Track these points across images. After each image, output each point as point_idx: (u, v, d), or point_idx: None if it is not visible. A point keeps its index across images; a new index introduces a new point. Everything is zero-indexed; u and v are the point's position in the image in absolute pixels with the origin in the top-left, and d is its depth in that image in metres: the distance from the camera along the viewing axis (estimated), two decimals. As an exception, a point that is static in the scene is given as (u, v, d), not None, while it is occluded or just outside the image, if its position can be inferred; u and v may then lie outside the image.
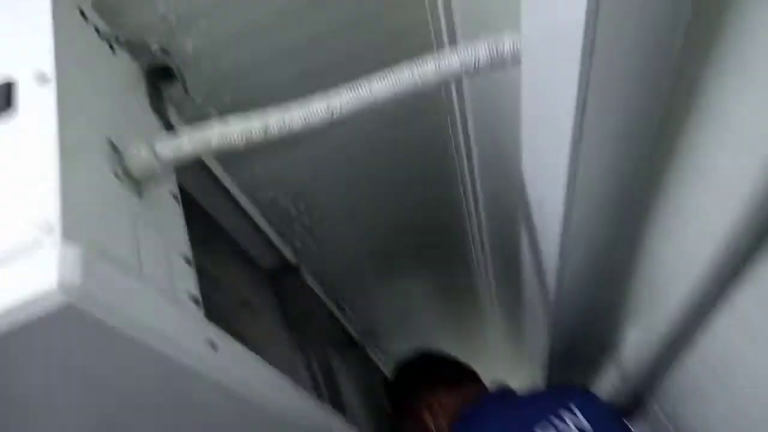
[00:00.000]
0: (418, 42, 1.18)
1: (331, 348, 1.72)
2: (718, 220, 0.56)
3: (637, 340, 0.97)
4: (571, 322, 1.15)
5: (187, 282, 0.71)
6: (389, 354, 2.82)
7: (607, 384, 1.24)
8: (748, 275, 0.62)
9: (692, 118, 0.57)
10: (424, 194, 1.81)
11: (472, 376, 1.20)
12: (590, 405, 0.96)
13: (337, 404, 1.43)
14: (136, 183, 0.67)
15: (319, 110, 0.59)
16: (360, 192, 1.66)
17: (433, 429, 1.18)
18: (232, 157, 1.31)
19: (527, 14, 0.51)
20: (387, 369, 2.87)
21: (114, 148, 0.67)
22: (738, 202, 0.51)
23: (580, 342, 1.33)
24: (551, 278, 0.93)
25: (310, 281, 1.72)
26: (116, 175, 0.65)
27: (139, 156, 0.64)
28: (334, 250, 1.82)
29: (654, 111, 0.58)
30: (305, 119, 0.59)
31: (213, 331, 0.66)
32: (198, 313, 0.68)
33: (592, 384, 1.44)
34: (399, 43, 1.17)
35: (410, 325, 2.72)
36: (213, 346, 0.65)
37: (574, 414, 0.94)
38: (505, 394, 1.10)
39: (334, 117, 0.59)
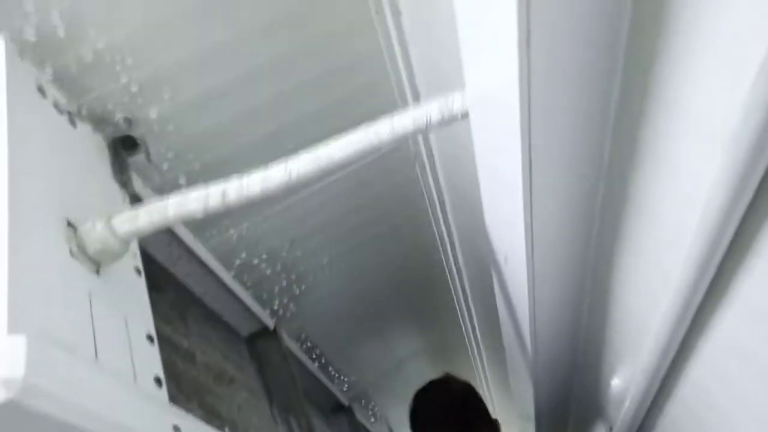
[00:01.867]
0: (383, 98, 1.20)
1: (316, 414, 1.65)
2: (669, 263, 0.55)
3: (619, 392, 0.94)
4: (553, 375, 1.12)
5: (150, 363, 0.67)
6: (379, 415, 2.73)
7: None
8: (709, 322, 0.61)
9: (638, 164, 0.57)
10: (404, 249, 1.80)
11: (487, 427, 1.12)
12: None
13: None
14: (94, 260, 0.65)
15: (276, 174, 0.58)
16: (338, 251, 1.65)
17: None
18: (201, 223, 1.29)
19: (469, 73, 0.52)
20: (380, 430, 2.77)
21: (70, 225, 0.66)
22: (683, 248, 0.51)
23: (566, 396, 1.30)
24: (525, 329, 0.91)
25: (291, 345, 1.67)
26: (71, 253, 0.63)
27: (94, 231, 0.62)
28: (314, 310, 1.79)
29: (599, 156, 0.58)
30: (263, 183, 0.58)
31: (177, 415, 0.62)
32: (161, 397, 0.65)
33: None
34: (364, 99, 1.19)
35: (400, 384, 2.65)
36: (177, 431, 0.61)
37: None
38: None
39: (292, 179, 0.58)
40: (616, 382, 0.95)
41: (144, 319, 0.71)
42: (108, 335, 0.60)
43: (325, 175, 0.61)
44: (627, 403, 0.90)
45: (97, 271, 0.66)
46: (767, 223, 0.45)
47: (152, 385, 0.64)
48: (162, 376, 0.67)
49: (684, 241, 0.50)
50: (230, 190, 0.61)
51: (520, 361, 1.13)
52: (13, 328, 0.48)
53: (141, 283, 0.76)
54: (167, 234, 1.15)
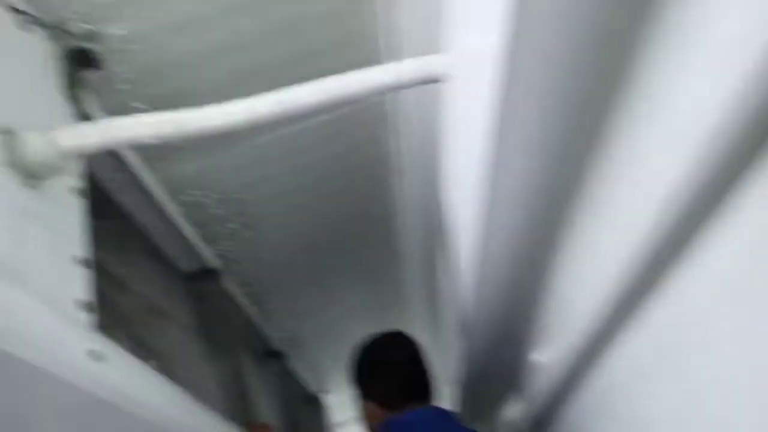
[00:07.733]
0: (361, 55, 1.16)
1: (249, 359, 1.66)
2: (614, 256, 0.56)
3: (540, 370, 0.98)
4: (485, 347, 1.15)
5: (76, 286, 0.64)
6: (314, 367, 2.76)
7: (514, 409, 1.25)
8: (639, 315, 0.63)
9: (598, 151, 0.58)
10: (359, 208, 1.79)
11: (420, 394, 1.12)
12: None
13: (251, 417, 1.37)
14: (31, 173, 0.61)
15: (240, 109, 0.56)
16: (293, 201, 1.62)
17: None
18: (156, 151, 1.24)
19: (452, 37, 0.50)
20: (311, 382, 2.81)
21: (9, 133, 0.61)
22: (633, 239, 0.51)
23: (493, 366, 1.34)
24: (467, 295, 0.92)
25: (232, 287, 1.65)
26: (9, 162, 0.59)
27: (33, 143, 0.58)
28: (261, 257, 1.76)
29: (566, 139, 0.58)
30: (225, 117, 0.56)
31: (98, 341, 0.60)
32: (82, 321, 0.62)
33: (501, 406, 1.46)
34: (341, 52, 1.15)
35: (336, 339, 2.67)
36: (96, 356, 0.59)
37: None
38: (444, 417, 1.05)
39: (255, 117, 0.56)
40: (540, 359, 0.99)
41: (75, 242, 0.68)
42: (37, 255, 0.57)
43: (290, 118, 0.59)
44: (545, 380, 0.94)
45: (33, 186, 0.63)
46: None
47: (74, 309, 0.62)
48: (90, 299, 0.64)
49: (631, 236, 0.52)
50: (189, 119, 0.58)
51: (452, 330, 1.15)
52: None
53: (76, 204, 0.72)
54: (114, 159, 1.10)
